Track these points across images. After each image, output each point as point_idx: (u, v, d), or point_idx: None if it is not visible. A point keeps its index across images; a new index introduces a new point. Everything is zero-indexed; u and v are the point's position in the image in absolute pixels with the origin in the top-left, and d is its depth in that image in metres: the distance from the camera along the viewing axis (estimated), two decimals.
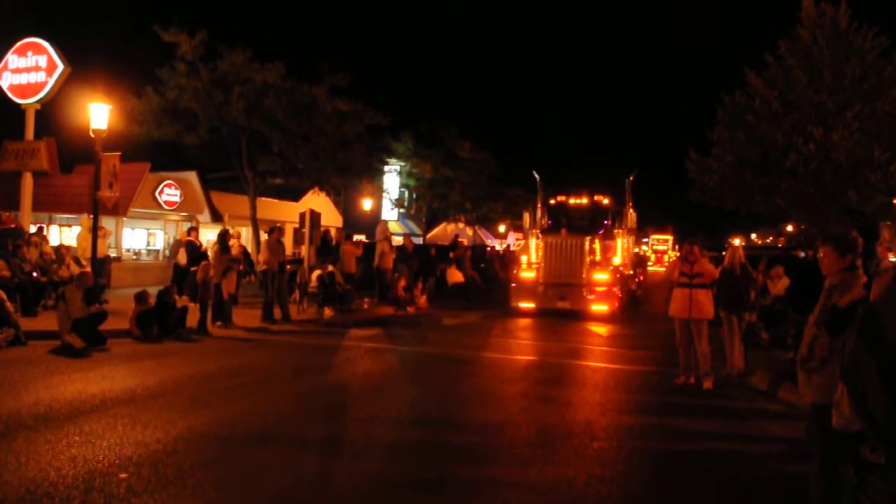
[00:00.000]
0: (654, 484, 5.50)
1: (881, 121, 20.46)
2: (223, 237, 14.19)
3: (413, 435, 6.69)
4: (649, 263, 65.03)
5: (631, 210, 19.81)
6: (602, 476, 5.54)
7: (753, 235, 79.58)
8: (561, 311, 17.53)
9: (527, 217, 20.31)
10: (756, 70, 22.68)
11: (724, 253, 13.06)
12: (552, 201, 21.03)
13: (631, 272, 21.59)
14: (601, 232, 19.33)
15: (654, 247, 73.09)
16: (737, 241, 48.43)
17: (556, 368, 10.69)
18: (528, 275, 18.15)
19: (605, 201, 20.57)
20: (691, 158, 25.03)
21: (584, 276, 17.51)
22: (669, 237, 74.48)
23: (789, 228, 47.85)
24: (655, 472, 5.80)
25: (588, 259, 17.64)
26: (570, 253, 17.66)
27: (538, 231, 19.43)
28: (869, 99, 20.64)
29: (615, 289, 17.58)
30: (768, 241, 72.79)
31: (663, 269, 58.94)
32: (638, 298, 23.01)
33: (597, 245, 18.48)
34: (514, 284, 18.49)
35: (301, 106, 22.53)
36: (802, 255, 15.12)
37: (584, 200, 20.73)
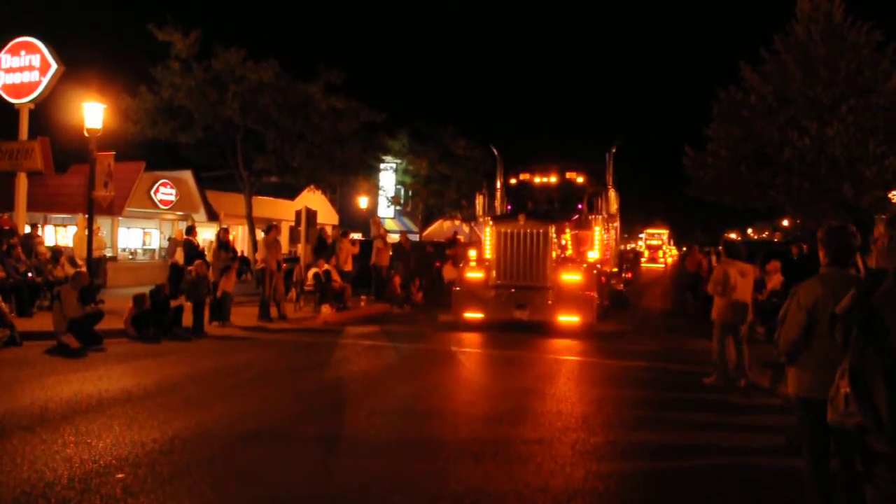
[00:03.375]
0: (652, 478, 5.50)
1: (876, 115, 20.52)
2: (221, 235, 14.19)
3: (411, 431, 6.68)
4: (643, 259, 64.44)
5: (612, 191, 15.76)
6: (599, 471, 5.54)
7: (750, 230, 79.68)
8: (518, 323, 13.74)
9: (480, 201, 16.60)
10: (751, 65, 22.73)
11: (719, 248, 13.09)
12: (512, 181, 16.77)
13: (615, 269, 18.34)
14: (574, 219, 15.35)
15: (648, 242, 71.42)
16: (733, 236, 48.41)
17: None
18: (475, 275, 14.29)
19: (580, 179, 16.26)
20: (687, 154, 25.09)
21: (548, 276, 13.74)
22: (665, 231, 73.17)
23: (785, 223, 47.96)
24: (653, 466, 5.80)
25: (555, 254, 13.90)
26: (531, 246, 13.82)
27: (489, 218, 15.57)
28: (863, 93, 20.71)
29: (591, 293, 13.63)
30: (764, 235, 72.73)
31: (659, 265, 58.60)
32: (626, 301, 20.24)
33: (567, 235, 14.72)
34: (457, 288, 14.54)
35: (296, 104, 22.47)
36: (796, 250, 15.06)
37: (553, 179, 16.40)
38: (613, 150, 16.40)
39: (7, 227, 15.05)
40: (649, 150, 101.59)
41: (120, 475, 5.11)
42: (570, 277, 13.65)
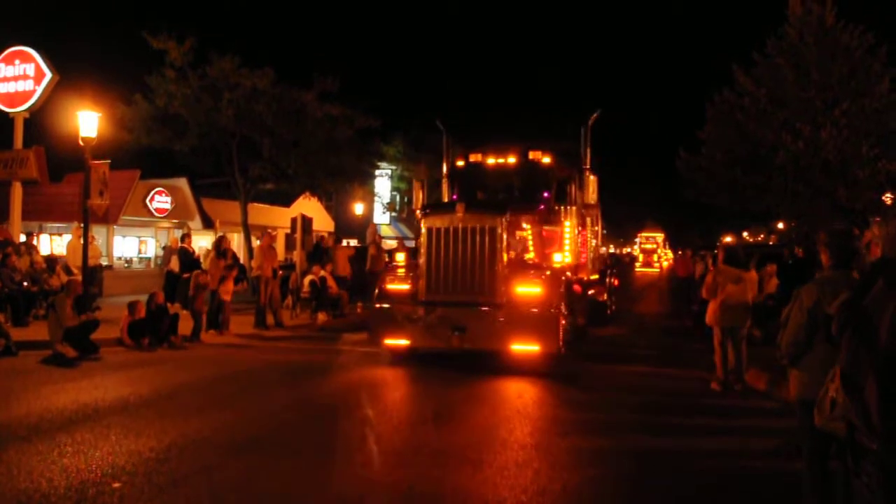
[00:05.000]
0: (649, 482, 5.51)
1: (869, 117, 20.61)
2: (219, 243, 14.20)
3: (408, 438, 6.67)
4: (637, 264, 64.08)
5: (590, 176, 12.52)
6: (595, 475, 5.55)
7: (745, 233, 79.80)
8: (457, 352, 10.29)
9: (417, 191, 13.73)
10: (744, 68, 22.83)
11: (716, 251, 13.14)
12: (459, 163, 13.33)
13: (595, 277, 15.22)
14: (537, 210, 11.83)
15: (643, 245, 70.42)
16: (728, 239, 48.42)
17: None
18: (398, 287, 10.80)
19: (546, 160, 12.68)
20: (680, 157, 25.17)
21: (497, 287, 10.14)
22: (660, 234, 72.42)
23: (780, 226, 48.08)
24: (649, 469, 5.81)
25: (507, 257, 10.38)
26: (473, 247, 10.26)
27: (419, 210, 12.22)
28: (856, 96, 20.80)
29: (556, 309, 9.99)
30: (759, 238, 72.79)
31: (654, 269, 58.32)
32: (609, 315, 16.76)
33: (527, 232, 11.34)
34: (377, 305, 11.00)
35: (291, 111, 22.48)
36: (801, 252, 15.05)
37: (512, 159, 12.85)
38: (591, 123, 13.06)
39: (2, 238, 15.00)
40: (643, 151, 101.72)
41: (116, 484, 5.10)
42: (528, 290, 10.05)
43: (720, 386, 9.12)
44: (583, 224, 13.40)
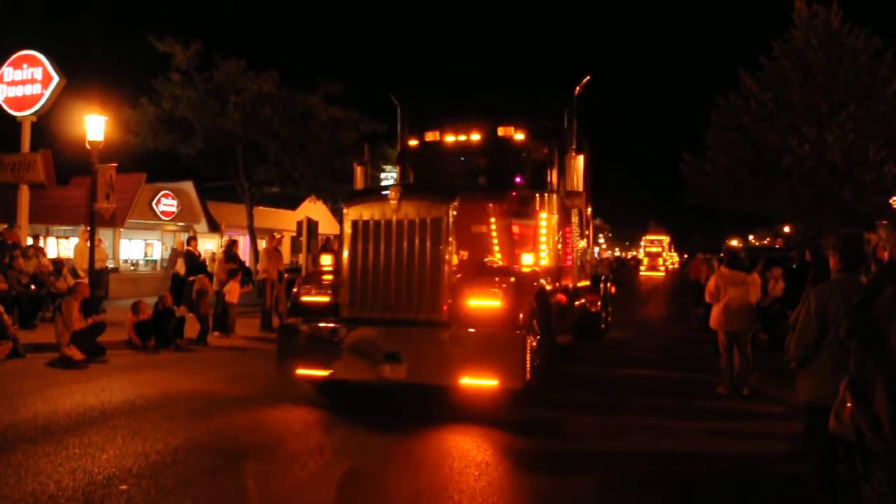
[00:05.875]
0: (655, 485, 5.50)
1: (875, 121, 20.57)
2: (229, 248, 14.26)
3: (416, 438, 6.67)
4: (642, 267, 63.61)
5: (575, 156, 9.81)
6: (600, 479, 5.54)
7: (751, 237, 79.60)
8: (391, 385, 7.83)
9: (360, 176, 10.87)
10: (750, 72, 22.81)
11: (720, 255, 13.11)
12: (412, 142, 10.88)
13: (585, 283, 12.58)
14: (506, 198, 9.39)
15: (648, 248, 69.64)
16: (734, 243, 48.24)
17: None
18: (316, 299, 8.26)
19: (519, 137, 10.02)
20: (684, 160, 25.14)
21: (442, 300, 7.62)
22: (665, 238, 71.78)
23: (786, 230, 47.97)
24: (655, 473, 5.79)
25: (455, 258, 7.87)
26: (411, 245, 7.74)
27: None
28: (863, 99, 20.76)
29: (523, 329, 7.40)
30: (765, 242, 72.52)
31: (659, 273, 57.97)
32: (602, 329, 13.95)
33: (492, 227, 8.90)
34: (287, 321, 8.64)
35: (296, 115, 22.56)
36: (797, 255, 15.01)
37: (476, 136, 10.30)
38: (578, 91, 10.58)
39: (10, 242, 15.06)
40: (643, 152, 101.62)
41: (123, 486, 5.11)
42: (484, 302, 7.46)
43: (726, 389, 9.10)
44: (564, 218, 10.58)
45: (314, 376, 7.96)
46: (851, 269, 4.17)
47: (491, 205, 8.98)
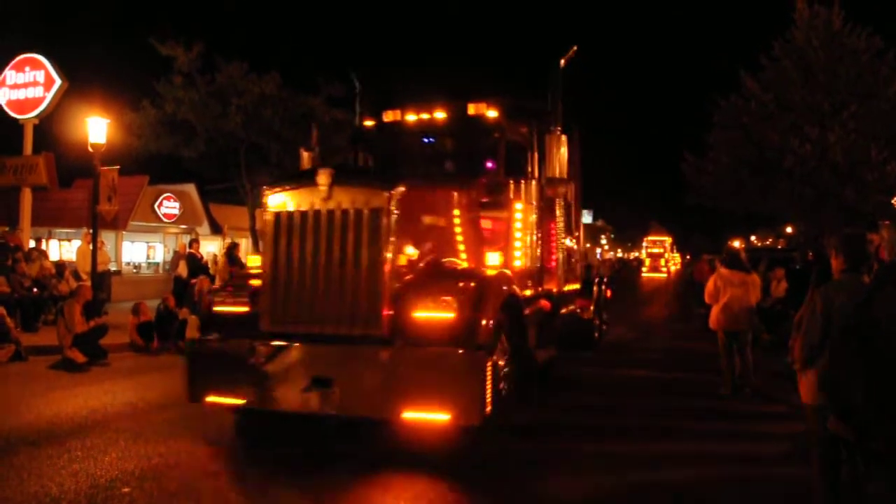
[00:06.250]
0: (655, 487, 5.49)
1: (877, 120, 20.55)
2: (231, 250, 14.26)
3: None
4: (643, 269, 63.37)
5: (557, 136, 8.54)
6: (600, 481, 5.53)
7: (753, 237, 79.42)
8: (319, 419, 6.24)
9: (305, 161, 9.25)
10: (752, 73, 22.80)
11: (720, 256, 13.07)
12: (368, 122, 9.33)
13: (574, 287, 10.80)
14: (471, 185, 7.71)
15: (650, 249, 69.31)
16: (736, 244, 48.11)
17: None
18: (232, 309, 6.75)
19: (492, 115, 8.34)
20: (686, 160, 25.13)
21: (379, 311, 6.05)
22: (667, 239, 71.45)
23: (788, 230, 47.90)
24: (656, 475, 5.78)
25: (402, 258, 6.29)
26: (343, 242, 6.22)
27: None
28: (864, 99, 20.74)
29: (483, 349, 5.77)
30: (767, 242, 72.28)
31: (661, 274, 57.74)
32: (596, 339, 12.27)
33: (454, 221, 7.25)
34: (195, 337, 8.01)
35: (298, 116, 22.59)
36: (799, 256, 14.98)
37: (440, 114, 8.66)
38: (564, 63, 9.51)
39: (13, 244, 15.10)
40: (644, 152, 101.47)
41: (126, 489, 5.12)
42: (432, 315, 5.94)
43: (728, 390, 9.08)
44: (551, 211, 9.05)
45: (226, 405, 6.34)
46: (855, 269, 4.16)
47: (456, 194, 7.31)
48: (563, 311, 9.95)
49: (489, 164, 8.46)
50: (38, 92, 17.76)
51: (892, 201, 21.11)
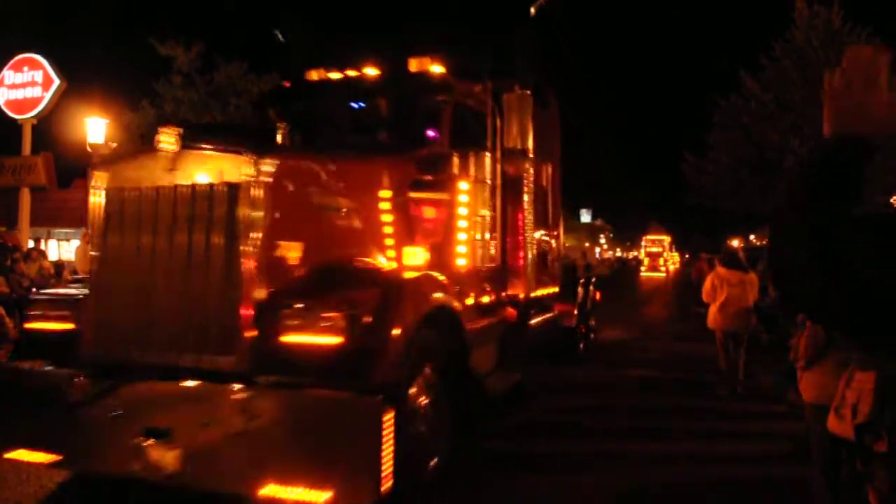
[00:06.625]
0: (656, 485, 5.49)
1: None
2: None
3: None
4: (642, 268, 63.36)
5: (525, 97, 6.35)
6: (598, 481, 5.53)
7: (752, 237, 79.41)
8: (151, 486, 3.97)
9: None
10: (752, 73, 22.82)
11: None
12: (285, 83, 7.77)
13: (553, 290, 8.97)
14: (404, 157, 5.76)
15: (649, 249, 69.16)
16: (735, 243, 48.13)
17: None
18: (48, 326, 4.87)
19: (437, 71, 6.45)
20: (686, 160, 25.16)
21: (235, 330, 4.10)
22: (666, 238, 71.27)
23: None
24: (653, 475, 5.78)
25: (280, 251, 4.44)
26: (190, 230, 4.29)
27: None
28: None
29: (380, 395, 3.75)
30: (766, 242, 72.04)
31: (660, 273, 57.56)
32: (582, 352, 11.18)
33: (379, 206, 5.36)
34: None
35: None
36: None
37: (372, 71, 6.75)
38: (533, 12, 8.53)
39: (11, 244, 15.09)
40: (644, 152, 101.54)
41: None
42: (310, 339, 4.02)
43: (725, 389, 9.08)
44: (516, 195, 7.25)
45: (32, 462, 4.39)
46: None
47: (385, 171, 5.47)
48: (538, 319, 8.35)
49: (430, 133, 6.48)
50: (36, 92, 17.74)
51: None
